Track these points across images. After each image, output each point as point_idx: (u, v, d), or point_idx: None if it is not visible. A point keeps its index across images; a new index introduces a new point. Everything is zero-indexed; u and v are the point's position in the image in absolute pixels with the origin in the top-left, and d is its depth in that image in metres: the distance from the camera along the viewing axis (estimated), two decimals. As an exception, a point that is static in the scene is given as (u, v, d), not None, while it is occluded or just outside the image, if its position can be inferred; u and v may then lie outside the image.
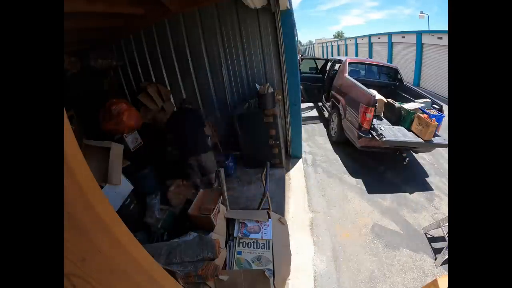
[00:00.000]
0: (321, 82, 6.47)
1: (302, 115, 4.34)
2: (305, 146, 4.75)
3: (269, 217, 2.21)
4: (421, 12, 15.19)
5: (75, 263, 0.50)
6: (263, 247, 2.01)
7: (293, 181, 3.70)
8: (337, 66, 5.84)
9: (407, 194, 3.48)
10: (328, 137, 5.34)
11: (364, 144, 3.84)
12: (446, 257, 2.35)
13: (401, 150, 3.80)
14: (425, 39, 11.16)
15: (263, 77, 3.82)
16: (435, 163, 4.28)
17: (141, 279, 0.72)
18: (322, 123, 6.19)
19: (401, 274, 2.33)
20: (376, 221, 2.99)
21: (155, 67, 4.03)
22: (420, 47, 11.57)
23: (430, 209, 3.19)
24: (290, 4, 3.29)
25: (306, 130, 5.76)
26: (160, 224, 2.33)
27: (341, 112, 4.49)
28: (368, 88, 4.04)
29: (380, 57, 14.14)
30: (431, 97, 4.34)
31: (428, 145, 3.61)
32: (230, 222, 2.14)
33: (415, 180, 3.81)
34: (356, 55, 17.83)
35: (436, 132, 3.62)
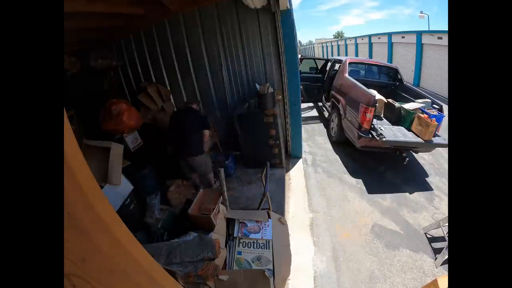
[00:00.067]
0: (321, 82, 6.47)
1: (302, 115, 4.34)
2: (305, 146, 4.75)
3: (269, 217, 2.21)
4: (421, 12, 15.23)
5: (75, 263, 0.50)
6: (263, 247, 2.01)
7: (293, 181, 3.70)
8: (337, 66, 5.84)
9: (407, 194, 3.48)
10: (328, 137, 5.34)
11: (364, 144, 3.84)
12: (446, 257, 2.35)
13: (401, 150, 3.80)
14: (425, 39, 11.17)
15: (263, 77, 3.82)
16: (435, 163, 4.28)
17: (141, 279, 0.72)
18: (322, 123, 6.19)
19: (401, 274, 2.33)
20: (376, 221, 2.99)
21: (155, 67, 4.03)
22: (420, 47, 11.57)
23: (430, 209, 3.19)
24: (290, 4, 3.29)
25: (306, 130, 5.76)
26: (160, 224, 2.32)
27: (341, 112, 4.49)
28: (368, 88, 4.04)
29: (380, 57, 14.14)
30: (431, 97, 4.34)
31: (428, 145, 3.61)
32: (230, 222, 2.13)
33: (415, 180, 3.81)
34: (356, 55, 17.83)
35: (436, 132, 3.62)
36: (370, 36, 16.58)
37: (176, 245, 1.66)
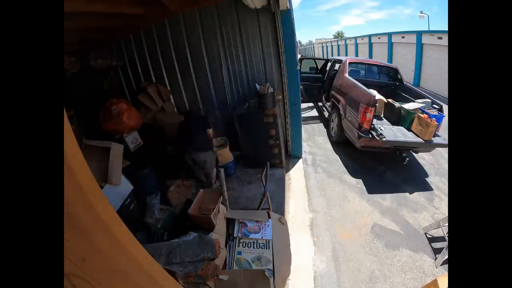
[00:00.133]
0: (321, 82, 6.46)
1: (302, 115, 4.34)
2: (305, 146, 4.75)
3: (269, 217, 2.21)
4: (421, 12, 15.23)
5: (75, 263, 0.50)
6: (263, 247, 2.01)
7: (293, 181, 3.70)
8: (337, 66, 5.84)
9: (407, 194, 3.48)
10: (328, 137, 5.34)
11: (364, 144, 3.84)
12: (446, 257, 2.35)
13: (401, 150, 3.80)
14: (425, 39, 11.16)
15: (263, 77, 3.82)
16: (435, 163, 4.28)
17: (141, 279, 0.72)
18: (322, 123, 6.19)
19: (401, 274, 2.33)
20: (376, 221, 2.99)
21: (155, 67, 4.03)
22: (420, 47, 11.57)
23: (430, 209, 3.19)
24: (290, 4, 3.29)
25: (306, 130, 5.76)
26: (160, 224, 2.33)
27: (341, 112, 4.49)
28: (368, 88, 4.04)
29: (380, 57, 14.14)
30: (431, 97, 4.34)
31: (428, 145, 3.61)
32: (230, 222, 2.14)
33: (415, 180, 3.81)
34: (356, 55, 17.83)
35: (436, 132, 3.62)
36: (370, 36, 16.58)
37: (176, 245, 1.66)
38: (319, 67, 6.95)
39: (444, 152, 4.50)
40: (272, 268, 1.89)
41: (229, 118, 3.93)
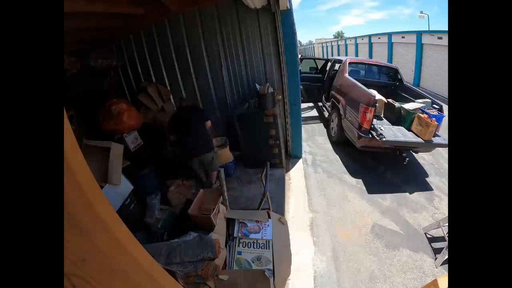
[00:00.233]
0: (321, 82, 6.47)
1: (302, 115, 4.34)
2: (305, 146, 4.75)
3: (269, 217, 2.21)
4: (421, 12, 15.21)
5: (75, 263, 0.50)
6: (263, 247, 2.01)
7: (293, 181, 3.70)
8: (337, 66, 5.84)
9: (407, 194, 3.48)
10: (328, 137, 5.34)
11: (364, 144, 3.84)
12: (446, 257, 2.35)
13: (401, 150, 3.80)
14: (425, 39, 11.16)
15: (263, 77, 3.82)
16: (435, 163, 4.28)
17: (141, 279, 0.72)
18: (322, 123, 6.19)
19: (401, 274, 2.33)
20: (376, 221, 2.99)
21: (155, 67, 4.03)
22: (420, 47, 11.57)
23: (430, 209, 3.19)
24: (290, 4, 3.29)
25: (306, 130, 5.76)
26: (160, 224, 2.33)
27: (341, 112, 4.49)
28: (368, 88, 4.04)
29: (380, 57, 14.14)
30: (431, 97, 4.34)
31: (428, 145, 3.61)
32: (230, 222, 2.14)
33: (415, 180, 3.81)
34: (356, 55, 17.83)
35: (436, 132, 3.62)
36: (370, 36, 16.58)
37: (176, 245, 1.66)
38: (319, 67, 6.96)
39: (444, 152, 4.50)
40: (272, 268, 1.89)
41: (229, 118, 3.93)
